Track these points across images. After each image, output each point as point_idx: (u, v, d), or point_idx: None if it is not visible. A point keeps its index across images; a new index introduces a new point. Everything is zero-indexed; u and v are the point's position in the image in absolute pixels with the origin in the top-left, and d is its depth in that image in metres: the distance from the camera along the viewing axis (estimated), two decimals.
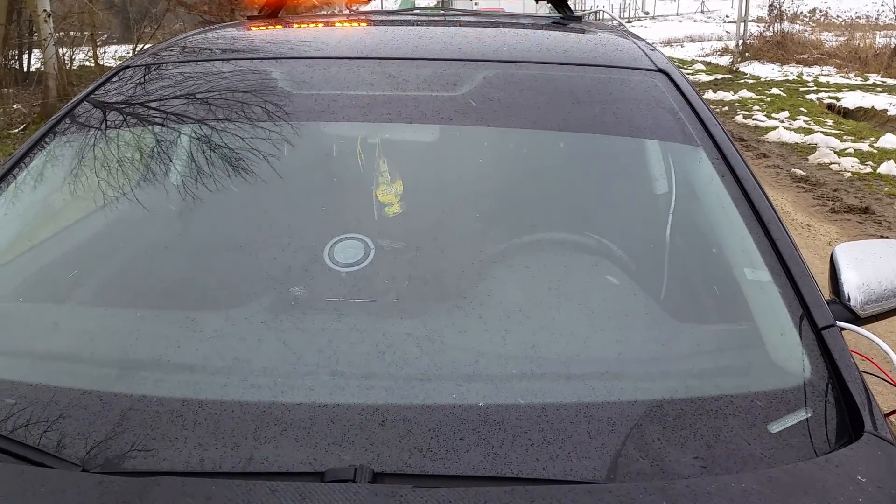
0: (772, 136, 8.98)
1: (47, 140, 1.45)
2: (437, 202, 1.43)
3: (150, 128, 1.49)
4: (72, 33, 13.48)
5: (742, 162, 1.33)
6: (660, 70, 1.54)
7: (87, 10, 12.50)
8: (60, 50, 11.84)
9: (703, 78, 15.23)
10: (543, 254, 1.30)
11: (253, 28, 1.94)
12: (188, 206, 1.39)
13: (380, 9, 2.49)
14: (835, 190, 6.45)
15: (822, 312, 1.10)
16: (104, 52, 16.11)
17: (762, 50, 19.33)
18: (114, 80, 1.60)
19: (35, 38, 12.49)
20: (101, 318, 1.23)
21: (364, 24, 2.04)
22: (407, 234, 1.34)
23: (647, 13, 58.88)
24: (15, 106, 11.10)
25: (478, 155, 1.48)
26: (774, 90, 12.93)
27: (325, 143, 1.52)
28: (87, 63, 13.75)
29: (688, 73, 15.88)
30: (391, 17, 2.18)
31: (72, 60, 13.19)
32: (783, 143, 8.60)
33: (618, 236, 1.35)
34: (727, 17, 43.59)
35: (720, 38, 29.74)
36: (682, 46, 28.75)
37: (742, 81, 14.46)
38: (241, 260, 1.30)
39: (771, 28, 20.86)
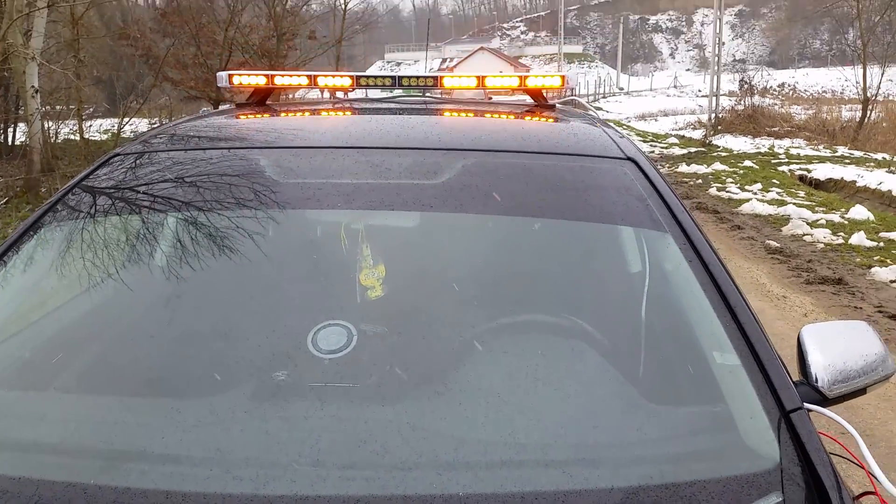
0: (745, 207, 9.21)
1: (37, 227, 1.48)
2: (417, 287, 1.46)
3: (136, 215, 1.52)
4: (58, 107, 13.68)
5: (709, 247, 1.36)
6: (629, 158, 1.59)
7: (73, 86, 12.71)
8: (46, 124, 11.99)
9: (677, 151, 15.67)
10: (521, 337, 1.32)
11: (241, 116, 2.00)
12: (173, 292, 1.40)
13: (364, 96, 2.55)
14: (809, 261, 6.59)
15: (789, 395, 1.12)
16: (90, 126, 16.32)
17: (734, 123, 20.02)
18: (104, 167, 1.64)
19: (21, 113, 12.62)
20: (84, 407, 1.22)
21: (348, 112, 2.11)
22: (388, 319, 1.36)
23: (621, 89, 60.88)
24: None
25: (457, 240, 1.53)
26: (747, 162, 13.32)
27: (309, 229, 1.55)
28: (73, 136, 13.90)
29: (662, 147, 16.38)
30: (373, 105, 2.26)
31: (57, 134, 13.34)
32: (757, 215, 8.81)
33: (592, 320, 1.37)
34: (699, 91, 45.12)
35: (693, 112, 30.76)
36: (655, 120, 29.69)
37: (715, 154, 14.89)
38: (226, 347, 1.31)
39: (742, 102, 21.66)
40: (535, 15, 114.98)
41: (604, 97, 49.26)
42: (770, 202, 9.40)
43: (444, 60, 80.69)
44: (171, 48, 15.92)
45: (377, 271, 1.42)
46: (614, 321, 1.40)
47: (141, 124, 16.39)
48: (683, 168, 13.09)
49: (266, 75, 2.07)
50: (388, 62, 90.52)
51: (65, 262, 1.46)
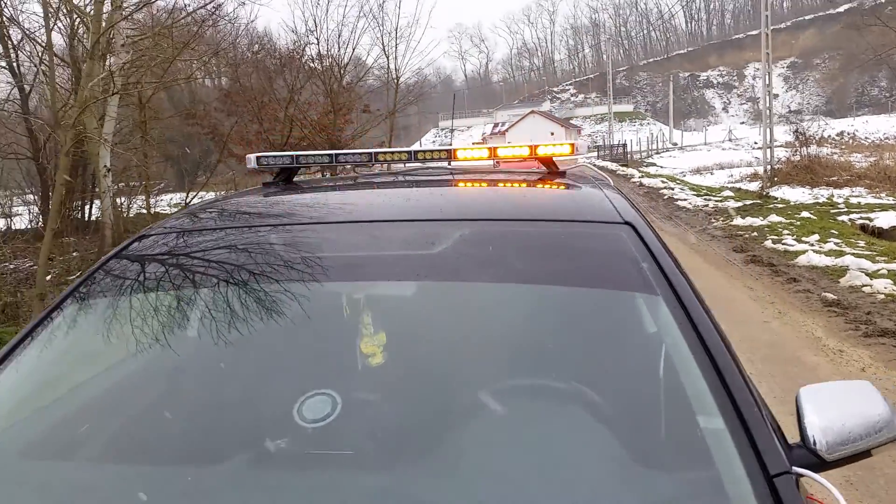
0: (802, 259, 9.01)
1: (66, 303, 1.60)
2: (410, 355, 1.50)
3: (145, 293, 1.62)
4: (132, 184, 14.56)
5: (701, 309, 1.37)
6: (626, 222, 1.62)
7: (143, 164, 13.53)
8: (119, 200, 12.75)
9: (732, 204, 15.47)
10: (511, 403, 1.33)
11: (262, 195, 2.12)
12: (176, 364, 1.49)
13: (384, 170, 2.73)
14: (867, 313, 6.40)
15: (775, 459, 1.10)
16: (160, 200, 17.25)
17: (791, 174, 19.64)
18: (130, 246, 1.78)
19: (96, 191, 13.47)
20: (72, 477, 1.27)
21: (359, 188, 2.22)
22: (382, 386, 1.42)
23: (675, 144, 60.59)
24: (74, 253, 11.83)
25: (450, 308, 1.56)
26: (805, 213, 13.05)
27: (312, 301, 1.57)
28: (143, 211, 14.72)
29: (716, 200, 16.19)
30: (387, 179, 2.36)
31: (128, 209, 14.16)
32: (813, 267, 8.62)
33: (582, 384, 1.37)
34: (755, 143, 44.42)
35: (749, 164, 30.27)
36: (711, 174, 29.34)
37: (771, 206, 14.65)
38: (218, 419, 1.37)
39: (799, 152, 21.28)
40: (584, 78, 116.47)
41: (657, 153, 49.07)
42: (827, 253, 9.17)
43: (495, 125, 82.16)
44: (234, 126, 16.80)
45: (377, 339, 1.47)
46: (605, 385, 1.39)
47: (207, 197, 17.20)
48: (738, 221, 12.91)
49: (291, 155, 2.22)
50: (442, 129, 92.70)
51: (81, 338, 1.58)
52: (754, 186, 19.49)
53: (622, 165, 35.23)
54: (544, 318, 1.54)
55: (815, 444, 1.17)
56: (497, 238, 1.65)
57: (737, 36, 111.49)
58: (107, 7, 9.78)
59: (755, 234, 11.54)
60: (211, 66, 18.43)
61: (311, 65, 17.65)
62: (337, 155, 2.21)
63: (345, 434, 1.26)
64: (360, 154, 2.23)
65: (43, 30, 13.38)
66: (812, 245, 9.93)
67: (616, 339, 1.50)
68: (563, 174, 2.13)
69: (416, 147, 2.29)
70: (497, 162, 2.30)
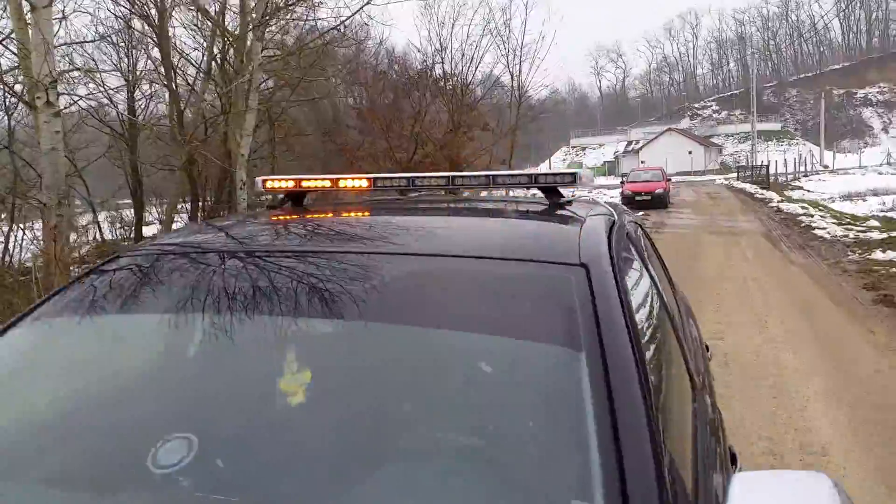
0: None
1: (23, 321, 1.60)
2: (321, 396, 1.41)
3: (89, 318, 1.62)
4: (263, 197, 15.67)
5: (632, 369, 1.19)
6: (581, 265, 1.45)
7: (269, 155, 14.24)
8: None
9: (875, 236, 14.26)
10: (405, 458, 1.23)
11: (253, 220, 2.10)
12: (74, 405, 1.46)
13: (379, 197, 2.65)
14: None
15: None
16: None
17: None
18: (96, 272, 1.75)
19: (232, 202, 14.60)
20: None
21: (332, 215, 2.11)
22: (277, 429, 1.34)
23: (825, 166, 56.44)
24: None
25: (371, 352, 1.45)
26: None
27: (235, 335, 1.50)
28: None
29: (858, 230, 14.99)
30: (377, 206, 2.28)
31: None
32: None
33: (472, 444, 1.26)
34: None
35: None
36: (863, 200, 27.11)
37: None
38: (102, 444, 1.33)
39: None
40: (728, 93, 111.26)
41: (805, 175, 45.97)
42: None
43: (629, 143, 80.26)
44: (362, 143, 17.62)
45: (301, 377, 1.40)
46: (509, 445, 1.22)
47: None
48: (878, 255, 11.91)
49: (295, 180, 2.23)
50: (574, 147, 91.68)
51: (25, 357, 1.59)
52: None
53: (762, 188, 33.25)
54: (459, 369, 1.40)
55: None
56: (436, 277, 1.55)
57: None
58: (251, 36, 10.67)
59: (895, 270, 10.61)
60: (338, 86, 19.38)
61: (438, 84, 18.22)
62: (338, 179, 2.18)
63: (205, 481, 1.18)
64: (362, 178, 2.17)
65: (194, 52, 14.77)
66: None
67: (522, 396, 1.32)
68: (561, 205, 1.98)
69: (409, 175, 2.15)
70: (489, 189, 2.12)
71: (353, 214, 2.11)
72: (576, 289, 1.39)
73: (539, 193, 2.09)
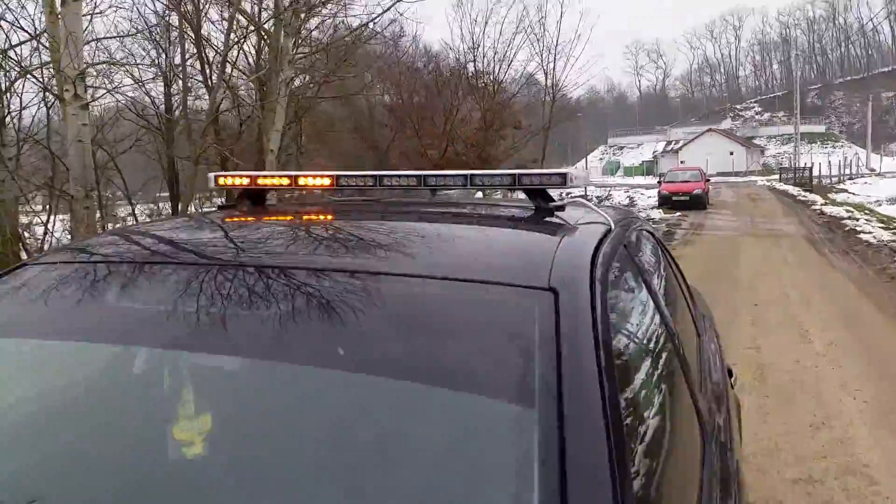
0: None
1: None
2: (228, 445, 1.16)
3: None
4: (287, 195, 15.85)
5: (601, 431, 0.97)
6: (549, 289, 1.19)
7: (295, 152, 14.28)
8: None
9: None
10: None
11: (197, 221, 1.93)
12: None
13: (349, 198, 2.36)
14: None
15: None
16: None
17: None
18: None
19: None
20: None
21: (285, 218, 1.92)
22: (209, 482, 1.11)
23: (872, 170, 54.74)
24: None
25: (276, 395, 1.19)
26: None
27: (126, 365, 1.31)
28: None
29: (889, 238, 14.39)
30: (339, 207, 2.08)
31: None
32: None
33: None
34: None
35: None
36: None
37: None
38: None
39: None
40: (772, 95, 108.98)
41: (850, 178, 44.69)
42: None
43: (668, 143, 79.06)
44: (393, 140, 17.58)
45: (200, 423, 1.16)
46: None
47: None
48: None
49: (249, 176, 2.05)
50: (611, 146, 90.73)
51: None
52: None
53: (805, 191, 32.39)
54: (394, 419, 1.12)
55: None
56: (366, 301, 1.25)
57: None
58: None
59: None
60: (372, 84, 19.32)
61: (470, 82, 18.06)
62: (297, 177, 1.98)
63: None
64: (324, 176, 1.95)
65: (230, 51, 14.83)
66: None
67: (464, 461, 1.05)
68: (549, 211, 1.72)
69: (376, 173, 1.91)
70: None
71: (304, 218, 1.89)
72: (539, 320, 1.12)
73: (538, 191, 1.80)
